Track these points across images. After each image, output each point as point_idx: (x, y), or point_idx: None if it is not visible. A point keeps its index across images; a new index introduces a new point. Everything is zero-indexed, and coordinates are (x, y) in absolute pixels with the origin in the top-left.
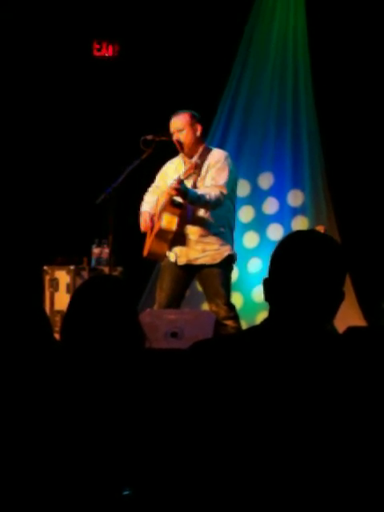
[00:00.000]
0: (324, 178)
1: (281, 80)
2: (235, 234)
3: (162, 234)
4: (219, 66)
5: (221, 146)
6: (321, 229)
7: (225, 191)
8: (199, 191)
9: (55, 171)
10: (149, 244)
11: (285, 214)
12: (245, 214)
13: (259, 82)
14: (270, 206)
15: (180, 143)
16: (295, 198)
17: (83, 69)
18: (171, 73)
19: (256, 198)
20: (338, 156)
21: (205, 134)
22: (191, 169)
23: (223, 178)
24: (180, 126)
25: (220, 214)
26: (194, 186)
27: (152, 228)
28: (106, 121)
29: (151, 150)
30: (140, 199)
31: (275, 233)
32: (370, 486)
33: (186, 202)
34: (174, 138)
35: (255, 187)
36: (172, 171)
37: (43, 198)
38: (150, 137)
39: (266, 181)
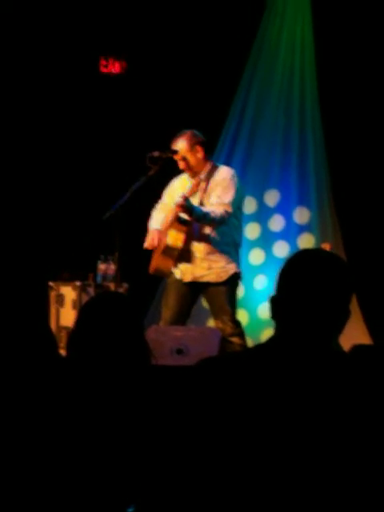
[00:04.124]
0: (330, 195)
1: (287, 97)
2: (241, 251)
3: (167, 250)
4: (226, 82)
5: (227, 163)
6: (326, 246)
7: (230, 209)
8: (205, 209)
9: (61, 187)
10: (155, 260)
11: (291, 232)
12: (251, 231)
13: (266, 99)
14: (276, 223)
15: (185, 170)
16: (301, 215)
17: (90, 85)
18: (178, 89)
19: (262, 215)
20: (345, 173)
21: (211, 150)
22: (196, 186)
23: (229, 196)
24: (182, 153)
25: (226, 232)
26: (201, 203)
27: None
28: (112, 137)
29: (158, 167)
30: (146, 216)
31: (281, 250)
32: (375, 501)
33: (192, 219)
34: (179, 165)
35: (261, 204)
36: (178, 188)
37: (50, 213)
38: (156, 153)
39: (272, 198)
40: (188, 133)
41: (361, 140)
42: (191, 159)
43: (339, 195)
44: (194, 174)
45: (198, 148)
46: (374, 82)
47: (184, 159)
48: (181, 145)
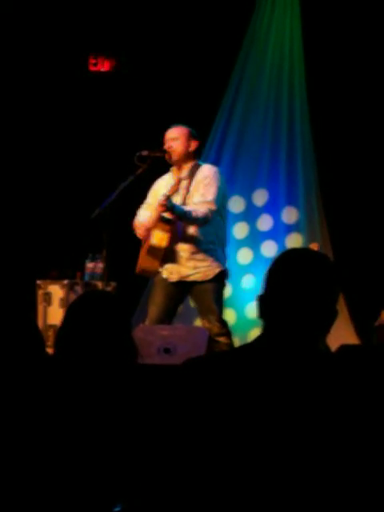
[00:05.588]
0: (318, 195)
1: (276, 97)
2: (229, 251)
3: (152, 250)
4: (215, 82)
5: (216, 162)
6: (314, 246)
7: (213, 207)
8: (186, 208)
9: (49, 186)
10: (140, 261)
11: (279, 231)
12: (239, 230)
13: (255, 99)
14: (265, 222)
15: (171, 152)
16: (289, 215)
17: (79, 84)
18: (167, 89)
19: (250, 214)
20: (333, 174)
21: (199, 150)
22: (177, 184)
23: (212, 193)
24: (175, 135)
25: (210, 231)
26: (184, 202)
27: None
28: (101, 136)
29: (146, 166)
30: (134, 215)
31: (269, 249)
32: (365, 503)
33: (175, 218)
34: (167, 145)
35: (250, 204)
36: (163, 187)
37: (38, 212)
38: (144, 153)
39: (260, 197)
40: (189, 128)
41: (349, 140)
42: (182, 146)
43: (327, 195)
44: (177, 163)
45: (193, 142)
46: (363, 80)
47: (175, 143)
48: (180, 130)
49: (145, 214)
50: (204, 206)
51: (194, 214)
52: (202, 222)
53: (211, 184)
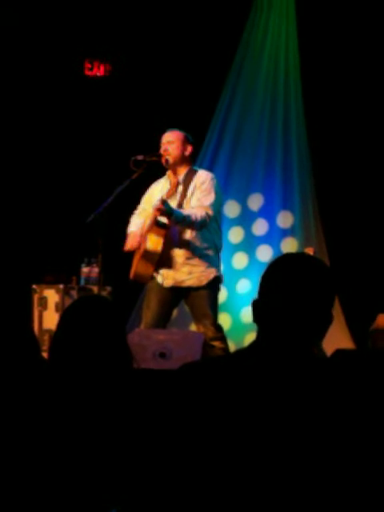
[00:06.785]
0: (314, 199)
1: (272, 101)
2: (224, 255)
3: (147, 255)
4: (210, 86)
5: (211, 166)
6: (310, 251)
7: (210, 212)
8: (184, 211)
9: (45, 190)
10: (134, 266)
11: (274, 236)
12: (234, 234)
13: (250, 104)
14: (260, 227)
15: (167, 156)
16: (285, 219)
17: (74, 88)
18: (162, 93)
19: (246, 218)
20: (328, 178)
21: (195, 154)
22: (174, 187)
23: (209, 199)
24: (171, 138)
25: (206, 236)
26: (180, 207)
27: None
28: (96, 140)
29: (141, 171)
30: (130, 219)
31: (264, 254)
32: (360, 509)
33: (170, 222)
34: (162, 148)
35: (245, 208)
36: (157, 192)
37: (33, 216)
38: (140, 157)
39: (255, 202)
40: (185, 133)
41: (345, 144)
42: (178, 150)
43: (323, 199)
44: (172, 167)
45: (189, 147)
46: (359, 85)
47: (171, 147)
48: (176, 134)
49: (137, 222)
50: (201, 210)
51: (192, 217)
52: (199, 225)
53: (209, 190)
